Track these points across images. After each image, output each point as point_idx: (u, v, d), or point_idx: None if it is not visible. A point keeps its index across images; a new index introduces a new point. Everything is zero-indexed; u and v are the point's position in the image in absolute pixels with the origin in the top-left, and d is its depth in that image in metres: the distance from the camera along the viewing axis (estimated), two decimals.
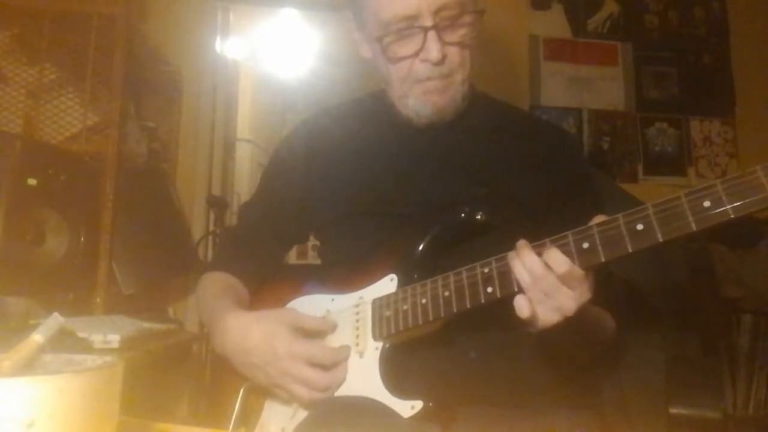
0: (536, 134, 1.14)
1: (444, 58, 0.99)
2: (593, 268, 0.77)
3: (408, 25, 0.98)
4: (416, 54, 1.00)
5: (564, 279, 0.76)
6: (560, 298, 0.77)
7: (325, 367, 0.92)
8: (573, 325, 0.80)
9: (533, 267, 0.77)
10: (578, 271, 0.76)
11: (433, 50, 0.97)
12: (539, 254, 0.78)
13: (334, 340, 0.97)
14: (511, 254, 0.81)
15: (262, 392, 1.00)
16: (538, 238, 0.80)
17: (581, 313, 0.79)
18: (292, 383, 0.92)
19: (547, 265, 0.77)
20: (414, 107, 1.05)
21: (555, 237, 0.78)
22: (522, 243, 0.80)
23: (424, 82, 1.02)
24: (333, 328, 0.97)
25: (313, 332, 0.96)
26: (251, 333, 0.95)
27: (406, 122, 1.08)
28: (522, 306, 0.79)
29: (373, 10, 1.01)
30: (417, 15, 0.97)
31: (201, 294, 1.15)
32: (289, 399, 0.95)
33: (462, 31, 1.00)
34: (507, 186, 1.03)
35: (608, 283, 1.04)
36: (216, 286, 1.12)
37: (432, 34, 0.97)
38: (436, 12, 0.97)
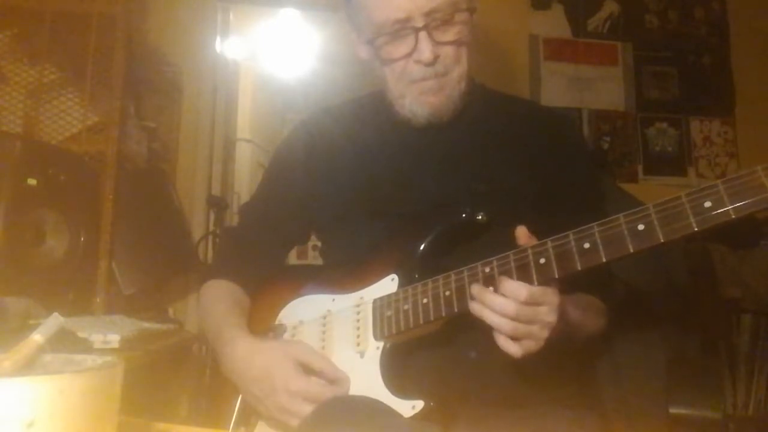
0: (536, 124, 1.13)
1: (437, 58, 0.99)
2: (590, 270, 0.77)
3: (400, 27, 0.99)
4: (409, 55, 1.00)
5: (532, 301, 0.78)
6: (539, 317, 0.79)
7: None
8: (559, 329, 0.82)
9: (505, 308, 0.78)
10: (536, 289, 0.78)
11: (425, 51, 0.98)
12: (495, 289, 0.79)
13: (336, 341, 0.97)
14: (476, 307, 0.81)
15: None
16: (540, 232, 0.81)
17: (563, 317, 0.81)
18: (290, 419, 0.91)
19: (506, 296, 0.78)
20: (411, 108, 1.05)
21: (556, 237, 0.78)
22: (477, 289, 0.81)
23: (419, 82, 1.02)
24: (342, 376, 0.93)
25: (319, 372, 0.93)
26: (254, 362, 0.94)
27: (405, 122, 1.08)
28: (511, 349, 0.80)
29: (367, 13, 1.02)
30: (408, 18, 0.97)
31: (204, 309, 1.14)
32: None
33: (455, 30, 1.00)
34: (507, 181, 1.03)
35: (609, 284, 1.04)
36: (220, 302, 1.10)
37: (423, 35, 0.97)
38: (428, 14, 0.97)
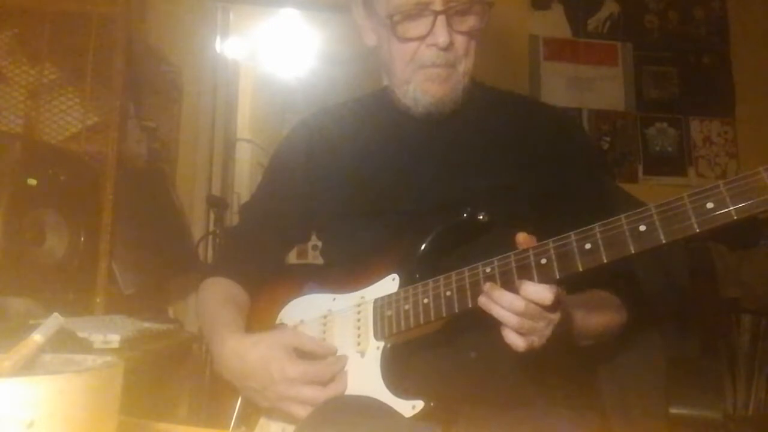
0: (537, 121, 1.13)
1: (451, 45, 1.00)
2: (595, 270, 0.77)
3: (420, 9, 0.99)
4: (424, 38, 1.00)
5: (553, 306, 0.78)
6: (546, 314, 0.79)
7: (323, 383, 0.92)
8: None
9: (514, 305, 0.78)
10: (558, 291, 0.78)
11: (441, 35, 0.98)
12: (511, 288, 0.79)
13: (336, 341, 0.97)
14: (483, 301, 0.81)
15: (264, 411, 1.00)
16: (541, 231, 0.81)
17: (566, 316, 0.82)
18: (292, 405, 0.91)
19: (527, 299, 0.77)
20: (413, 94, 1.05)
21: (557, 237, 0.78)
22: (489, 285, 0.81)
23: (428, 68, 1.02)
24: (332, 350, 0.95)
25: (312, 353, 0.94)
26: (248, 357, 0.94)
27: (406, 115, 1.08)
28: (517, 343, 0.80)
29: None
30: (429, 1, 0.98)
31: (201, 306, 1.14)
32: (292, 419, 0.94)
33: (471, 21, 1.01)
34: (509, 179, 1.03)
35: (631, 279, 1.04)
36: (215, 299, 1.10)
37: (441, 19, 0.98)
38: (447, 1, 0.98)
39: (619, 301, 1.02)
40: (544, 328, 0.80)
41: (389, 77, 1.11)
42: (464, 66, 1.03)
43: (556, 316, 0.80)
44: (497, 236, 0.88)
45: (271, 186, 1.21)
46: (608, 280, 0.97)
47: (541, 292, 0.77)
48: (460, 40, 1.01)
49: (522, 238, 0.81)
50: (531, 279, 0.79)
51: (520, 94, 1.26)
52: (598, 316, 0.98)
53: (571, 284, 0.83)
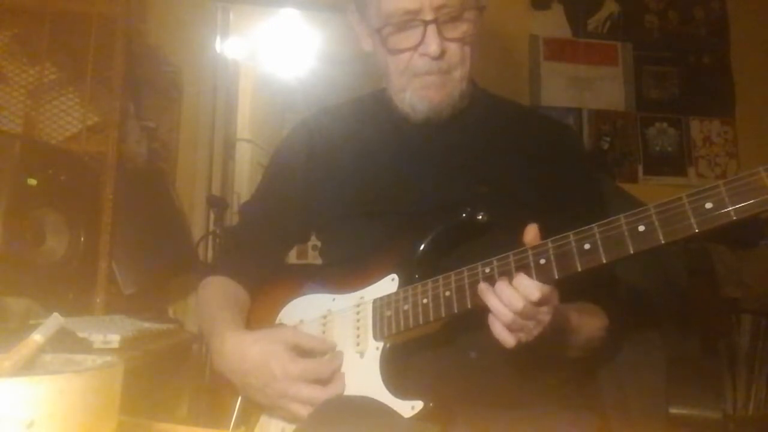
0: (536, 130, 1.14)
1: (443, 53, 0.99)
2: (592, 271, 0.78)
3: (409, 19, 0.99)
4: (415, 47, 1.00)
5: (539, 303, 0.78)
6: (538, 316, 0.80)
7: (322, 381, 0.92)
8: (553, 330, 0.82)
9: (512, 302, 0.78)
10: (547, 290, 0.78)
11: (432, 44, 0.98)
12: (510, 283, 0.79)
13: (335, 341, 0.97)
14: (483, 288, 0.81)
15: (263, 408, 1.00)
16: (540, 233, 0.81)
17: (556, 318, 0.82)
18: (292, 403, 0.92)
19: (521, 293, 0.78)
20: (411, 102, 1.05)
21: (556, 237, 0.78)
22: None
23: (423, 76, 1.02)
24: (332, 347, 0.96)
25: (311, 350, 0.95)
26: (248, 354, 0.94)
27: (405, 119, 1.08)
28: (506, 339, 0.80)
29: (376, 3, 1.01)
30: (419, 9, 0.97)
31: (201, 304, 1.14)
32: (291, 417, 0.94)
33: (463, 28, 1.01)
34: (508, 184, 1.03)
35: (613, 291, 1.04)
36: (215, 298, 1.11)
37: (432, 28, 0.98)
38: (438, 8, 0.97)
39: (601, 311, 1.02)
40: (533, 328, 0.80)
41: (386, 83, 1.10)
42: (460, 72, 1.03)
43: (546, 318, 0.80)
44: (496, 237, 0.88)
45: (271, 186, 1.21)
46: (590, 290, 0.97)
47: (529, 287, 0.77)
48: (453, 48, 1.00)
49: (531, 230, 0.81)
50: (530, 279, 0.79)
51: (521, 104, 1.26)
52: (590, 318, 0.98)
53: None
